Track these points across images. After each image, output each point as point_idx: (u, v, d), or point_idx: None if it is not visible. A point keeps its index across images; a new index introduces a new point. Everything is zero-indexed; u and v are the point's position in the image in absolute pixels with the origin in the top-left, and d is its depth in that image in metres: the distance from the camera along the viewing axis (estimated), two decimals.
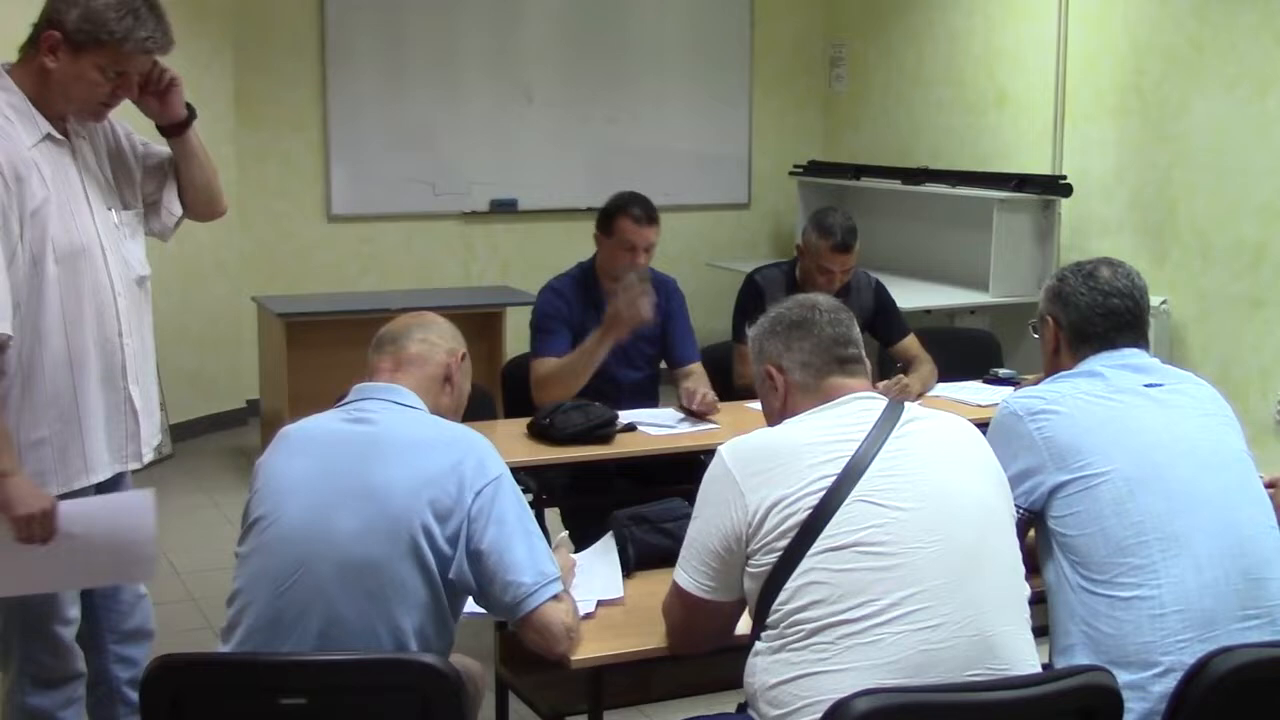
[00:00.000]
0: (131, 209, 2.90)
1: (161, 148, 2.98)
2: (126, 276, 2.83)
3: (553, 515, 4.09)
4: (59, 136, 2.73)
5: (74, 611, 2.88)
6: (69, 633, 2.87)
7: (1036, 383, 2.70)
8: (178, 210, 3.01)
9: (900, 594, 2.05)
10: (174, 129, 2.92)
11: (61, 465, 2.72)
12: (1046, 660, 2.37)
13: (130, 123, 2.97)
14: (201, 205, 3.03)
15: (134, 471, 2.96)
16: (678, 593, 2.29)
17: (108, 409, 2.80)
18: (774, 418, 2.35)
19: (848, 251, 4.32)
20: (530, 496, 3.87)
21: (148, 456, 2.95)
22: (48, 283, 2.66)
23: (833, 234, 4.30)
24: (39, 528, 2.63)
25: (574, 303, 4.19)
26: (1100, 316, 2.56)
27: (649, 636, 2.43)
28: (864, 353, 2.37)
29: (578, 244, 6.85)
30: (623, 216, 4.14)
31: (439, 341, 2.56)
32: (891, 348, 4.54)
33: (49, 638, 2.84)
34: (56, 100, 2.71)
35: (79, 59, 2.66)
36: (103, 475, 2.82)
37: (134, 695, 2.88)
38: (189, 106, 2.92)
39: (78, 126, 2.80)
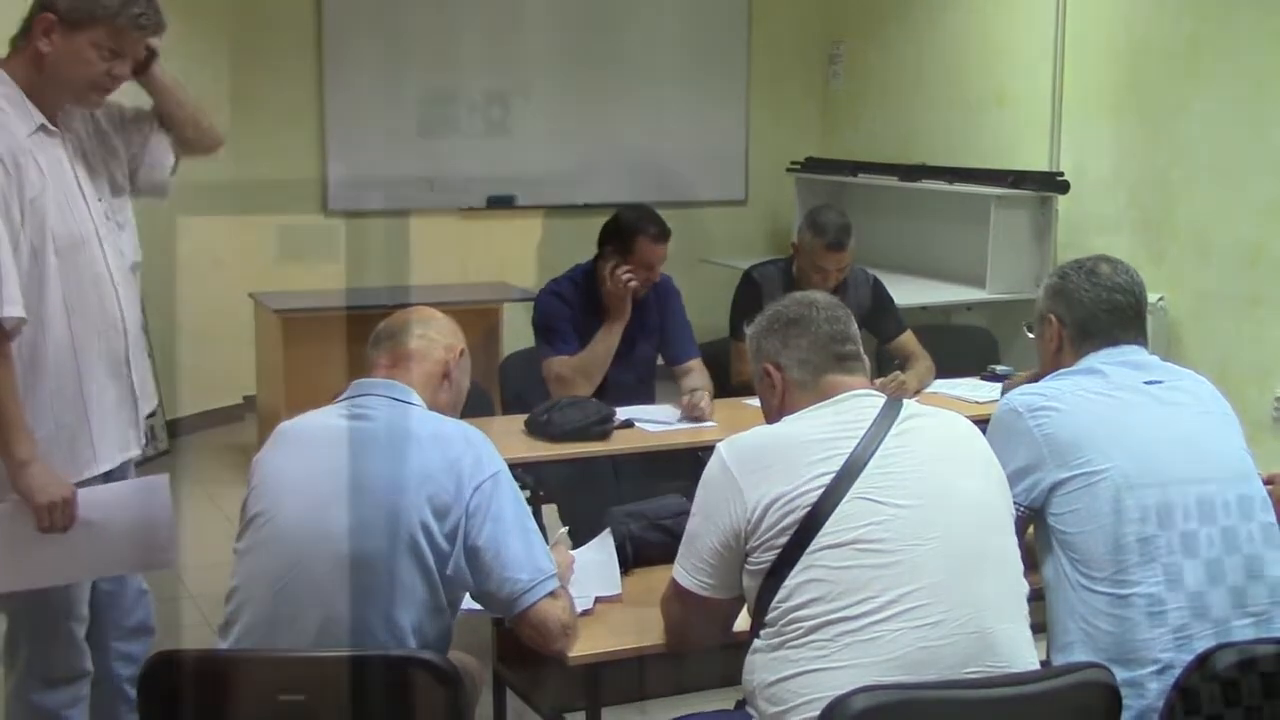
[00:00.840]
0: (123, 193, 2.90)
1: (141, 107, 2.96)
2: (122, 265, 2.84)
3: (550, 512, 4.09)
4: (52, 128, 2.73)
5: (86, 609, 2.88)
6: (81, 630, 2.87)
7: (1030, 379, 2.70)
8: (169, 160, 2.98)
9: (899, 591, 2.05)
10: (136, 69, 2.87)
11: (71, 455, 2.72)
12: (1044, 657, 2.37)
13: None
14: (192, 138, 3.00)
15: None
16: (676, 590, 2.29)
17: (113, 397, 2.80)
18: (772, 415, 2.35)
19: (842, 250, 4.31)
20: (528, 493, 3.88)
21: (144, 443, 2.97)
22: (49, 273, 2.66)
23: (826, 233, 4.29)
24: (60, 515, 2.64)
25: (576, 307, 4.20)
26: (1105, 313, 2.56)
27: (647, 633, 2.43)
28: (862, 350, 2.37)
29: (575, 241, 6.84)
30: (642, 237, 4.12)
31: (437, 337, 2.56)
32: (888, 344, 4.54)
33: (62, 635, 2.83)
34: (51, 87, 2.71)
35: (74, 38, 2.66)
36: (110, 464, 2.82)
37: (134, 692, 2.87)
38: (148, 48, 2.86)
39: (66, 120, 2.79)
